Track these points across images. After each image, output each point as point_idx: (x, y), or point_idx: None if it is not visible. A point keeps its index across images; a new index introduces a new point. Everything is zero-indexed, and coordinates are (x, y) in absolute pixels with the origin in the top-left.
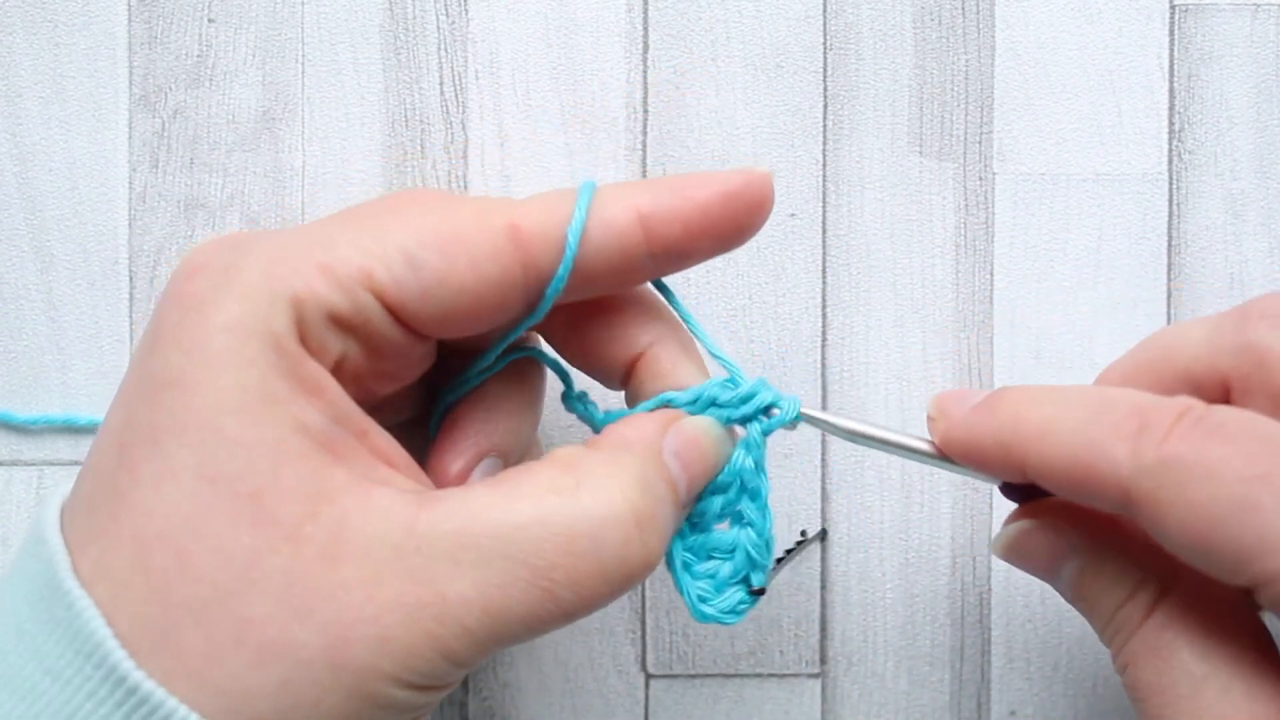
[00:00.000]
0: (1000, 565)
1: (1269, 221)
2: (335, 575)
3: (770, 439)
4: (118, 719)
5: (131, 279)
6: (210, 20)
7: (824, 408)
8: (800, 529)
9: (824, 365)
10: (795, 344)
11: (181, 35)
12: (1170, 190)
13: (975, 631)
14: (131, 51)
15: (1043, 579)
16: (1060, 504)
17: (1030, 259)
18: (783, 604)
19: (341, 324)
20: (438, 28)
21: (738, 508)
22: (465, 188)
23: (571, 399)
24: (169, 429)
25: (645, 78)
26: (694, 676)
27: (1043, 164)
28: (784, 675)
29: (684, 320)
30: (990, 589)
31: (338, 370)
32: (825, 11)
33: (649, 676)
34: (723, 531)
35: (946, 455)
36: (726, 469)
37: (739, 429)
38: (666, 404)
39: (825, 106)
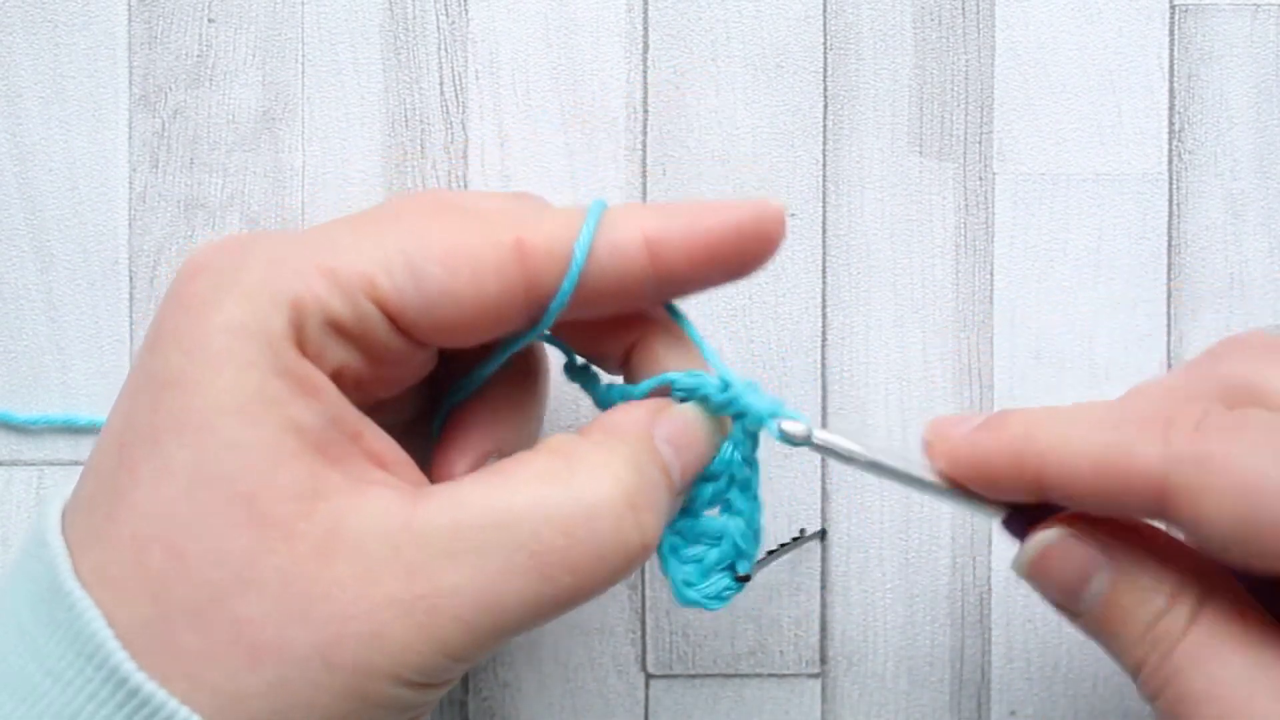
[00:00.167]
0: (1000, 565)
1: (1269, 221)
2: (330, 573)
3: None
4: None
5: (131, 279)
6: (210, 20)
7: (824, 408)
8: (800, 527)
9: (824, 365)
10: (795, 344)
11: (181, 35)
12: (1170, 190)
13: (975, 631)
14: (131, 51)
15: (1062, 603)
16: (1077, 517)
17: (1030, 259)
18: (783, 604)
19: (342, 331)
20: (438, 28)
21: (727, 496)
22: (465, 188)
23: (574, 370)
24: (168, 429)
25: (645, 78)
26: (694, 676)
27: (1043, 164)
28: (784, 675)
29: (696, 343)
30: (990, 589)
31: (337, 377)
32: (825, 11)
33: (649, 676)
34: (711, 518)
35: (953, 481)
36: (716, 460)
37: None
38: (668, 384)
39: (825, 106)
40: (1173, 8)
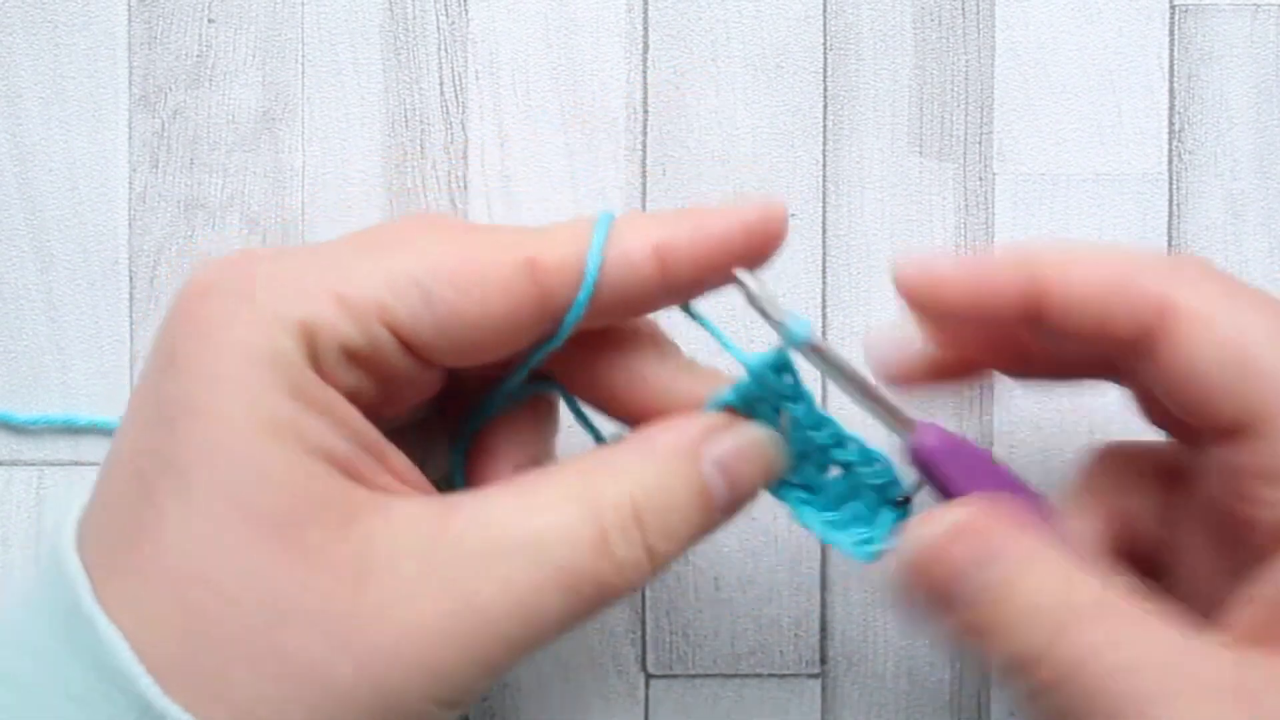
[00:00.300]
0: None
1: (1269, 221)
2: (369, 598)
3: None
4: None
5: (131, 279)
6: (210, 20)
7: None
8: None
9: None
10: None
11: (181, 35)
12: (1170, 190)
13: None
14: (131, 51)
15: (950, 590)
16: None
17: None
18: (783, 604)
19: (355, 357)
20: (438, 28)
21: (830, 458)
22: (465, 188)
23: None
24: (191, 459)
25: (645, 78)
26: (694, 676)
27: (1043, 164)
28: (784, 675)
29: (716, 336)
30: None
31: (351, 400)
32: (825, 11)
33: (649, 676)
34: (836, 480)
35: (933, 308)
36: (795, 439)
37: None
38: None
39: (825, 106)
40: (1173, 8)
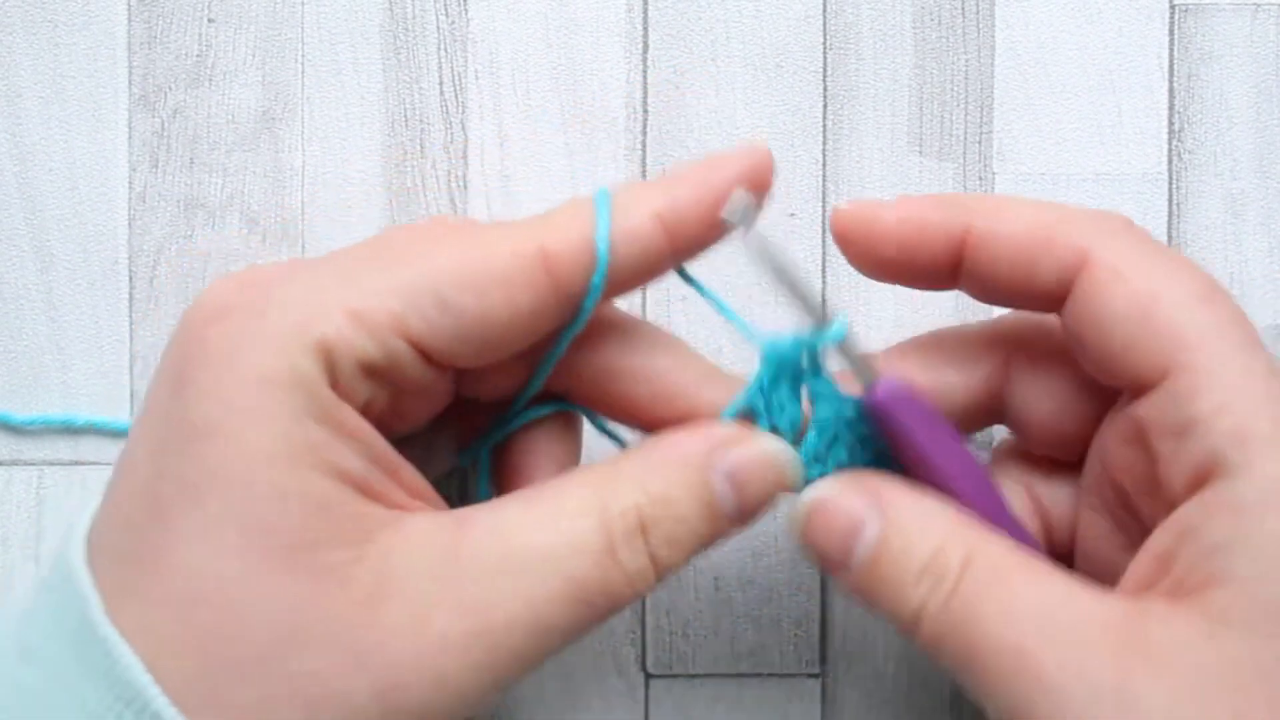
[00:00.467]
0: None
1: (1269, 221)
2: (384, 618)
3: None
4: None
5: (131, 279)
6: (210, 20)
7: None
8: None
9: None
10: None
11: (181, 35)
12: (1170, 190)
13: None
14: (131, 51)
15: (835, 558)
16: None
17: None
18: (783, 604)
19: (373, 372)
20: (438, 28)
21: (855, 433)
22: (465, 188)
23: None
24: (206, 483)
25: (645, 78)
26: (694, 676)
27: (1043, 164)
28: (784, 675)
29: (715, 304)
30: None
31: (366, 416)
32: (825, 11)
33: (649, 676)
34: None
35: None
36: (820, 420)
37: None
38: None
39: (825, 106)
40: (1173, 8)
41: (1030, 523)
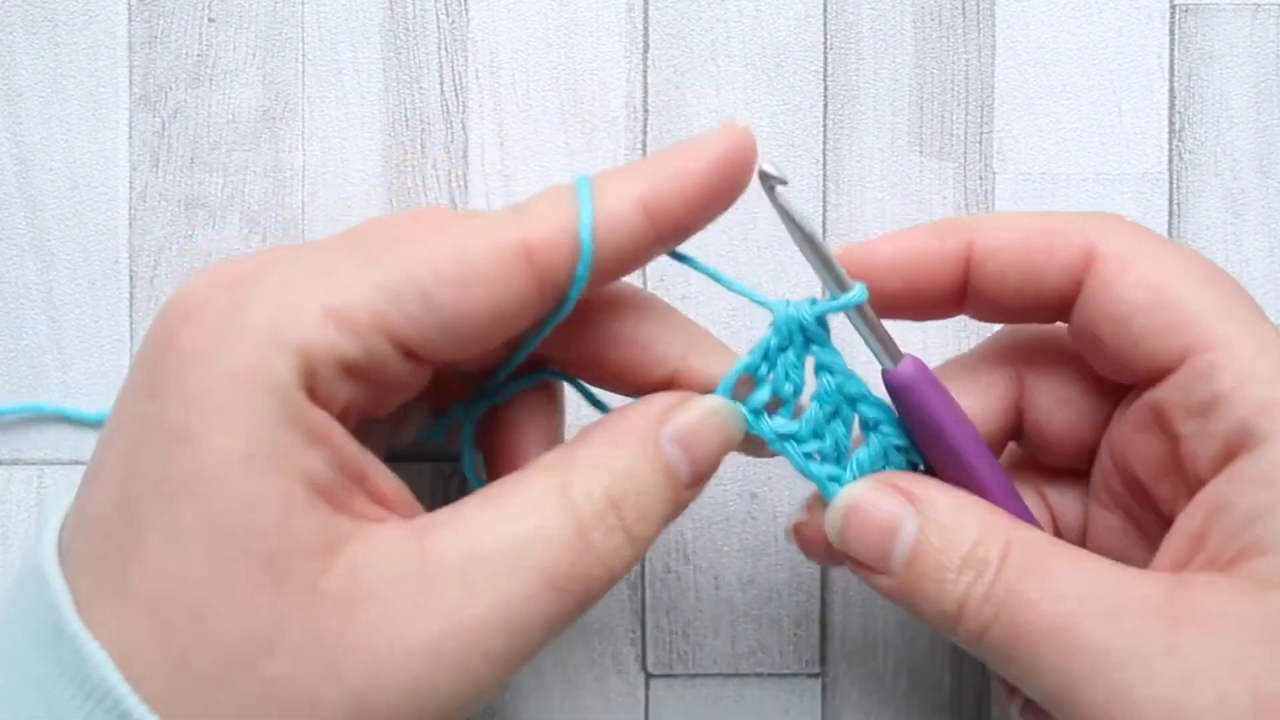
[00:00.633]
0: None
1: (1269, 221)
2: (355, 626)
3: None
4: None
5: (131, 279)
6: (210, 20)
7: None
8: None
9: None
10: None
11: (181, 35)
12: (1170, 190)
13: None
14: (131, 51)
15: (874, 562)
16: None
17: None
18: (783, 604)
19: (353, 371)
20: (438, 28)
21: (857, 414)
22: (465, 187)
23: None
24: (177, 487)
25: (645, 78)
26: (694, 676)
27: (1043, 164)
28: (784, 675)
29: (710, 275)
30: None
31: (344, 412)
32: (825, 11)
33: (649, 676)
34: (864, 445)
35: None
36: (823, 392)
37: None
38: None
39: (825, 106)
40: (1173, 8)
41: (1042, 525)
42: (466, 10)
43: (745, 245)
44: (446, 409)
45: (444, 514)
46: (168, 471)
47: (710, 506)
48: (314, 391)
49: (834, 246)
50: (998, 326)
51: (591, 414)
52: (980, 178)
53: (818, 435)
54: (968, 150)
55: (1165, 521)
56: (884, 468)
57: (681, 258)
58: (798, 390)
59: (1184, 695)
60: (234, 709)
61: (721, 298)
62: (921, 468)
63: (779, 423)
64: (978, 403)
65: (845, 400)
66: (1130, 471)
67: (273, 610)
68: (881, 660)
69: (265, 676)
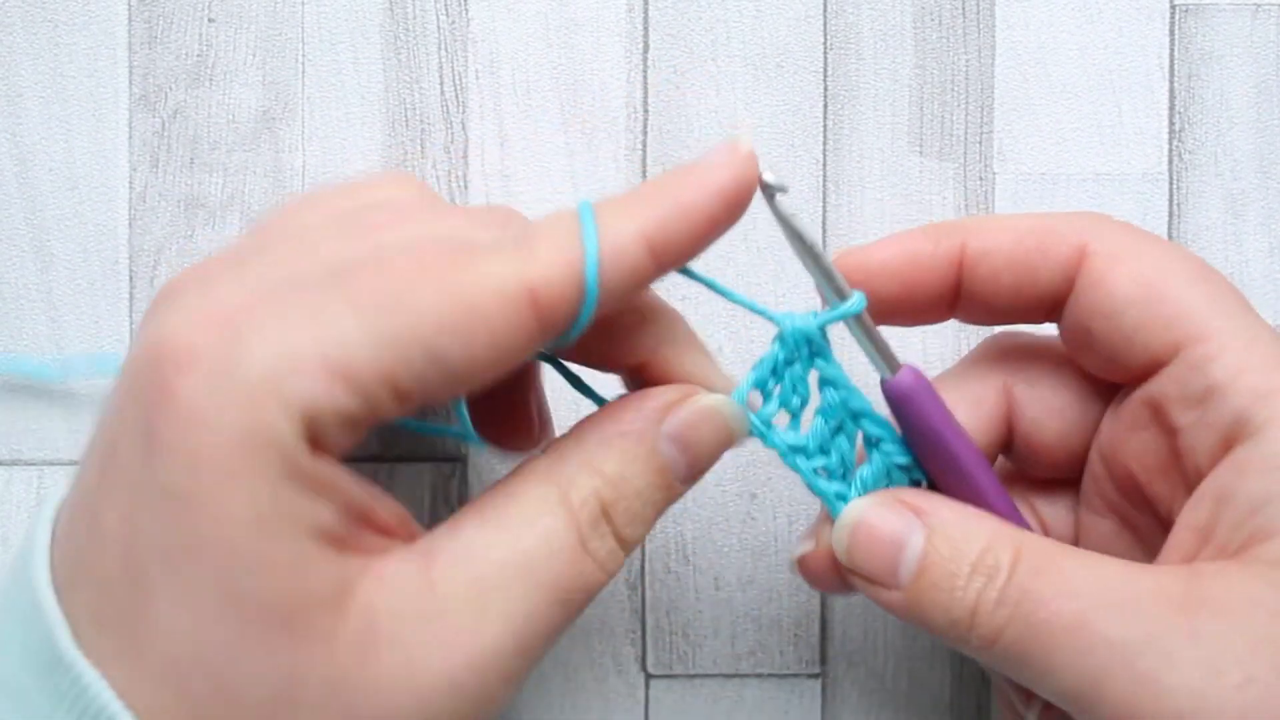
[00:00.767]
0: None
1: (1269, 221)
2: (372, 670)
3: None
4: None
5: (131, 279)
6: (210, 20)
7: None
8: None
9: None
10: None
11: (181, 35)
12: (1170, 190)
13: None
14: (131, 51)
15: (882, 578)
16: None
17: None
18: (783, 604)
19: (356, 423)
20: (438, 28)
21: (859, 429)
22: (465, 188)
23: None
24: (186, 550)
25: (645, 78)
26: (694, 676)
27: (1043, 164)
28: (784, 675)
29: (709, 285)
30: None
31: (343, 456)
32: (825, 11)
33: (649, 676)
34: (867, 463)
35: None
36: (827, 407)
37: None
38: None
39: (825, 106)
40: (1173, 8)
41: None
42: (466, 10)
43: (745, 247)
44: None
45: (445, 537)
46: (175, 535)
47: (710, 506)
48: (316, 443)
49: (831, 251)
50: (990, 331)
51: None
52: (980, 178)
53: (823, 451)
54: (968, 150)
55: (1161, 521)
56: (887, 485)
57: (684, 271)
58: (804, 403)
59: (1209, 678)
60: None
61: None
62: (924, 484)
63: (790, 435)
64: (969, 417)
65: (849, 416)
66: (1125, 473)
67: (292, 666)
68: (881, 660)
69: None
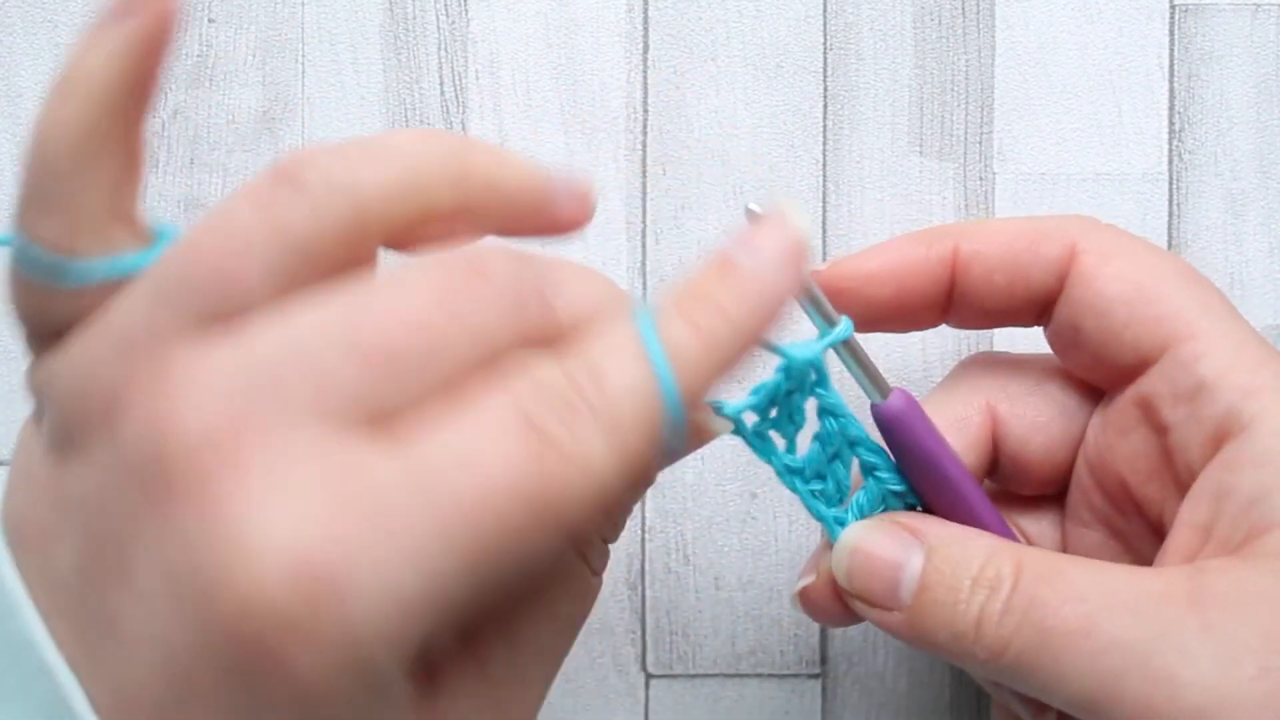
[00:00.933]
0: None
1: (1269, 221)
2: None
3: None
4: None
5: None
6: (210, 20)
7: None
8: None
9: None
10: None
11: (181, 35)
12: (1170, 190)
13: None
14: None
15: (883, 599)
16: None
17: None
18: (783, 604)
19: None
20: (438, 28)
21: (858, 460)
22: None
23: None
24: None
25: (645, 78)
26: (694, 676)
27: (1043, 164)
28: (784, 675)
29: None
30: None
31: None
32: (825, 11)
33: (649, 676)
34: (863, 488)
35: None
36: (826, 434)
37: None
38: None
39: (825, 106)
40: (1173, 8)
41: None
42: (466, 10)
43: None
44: None
45: (454, 669)
46: None
47: (710, 506)
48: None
49: (830, 253)
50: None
51: None
52: (980, 178)
53: (820, 476)
54: (968, 151)
55: (1151, 526)
56: (883, 510)
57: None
58: (798, 428)
59: (1225, 671)
60: None
61: None
62: (919, 509)
63: (787, 457)
64: (955, 439)
65: (846, 443)
66: (1114, 480)
67: None
68: (881, 660)
69: None
